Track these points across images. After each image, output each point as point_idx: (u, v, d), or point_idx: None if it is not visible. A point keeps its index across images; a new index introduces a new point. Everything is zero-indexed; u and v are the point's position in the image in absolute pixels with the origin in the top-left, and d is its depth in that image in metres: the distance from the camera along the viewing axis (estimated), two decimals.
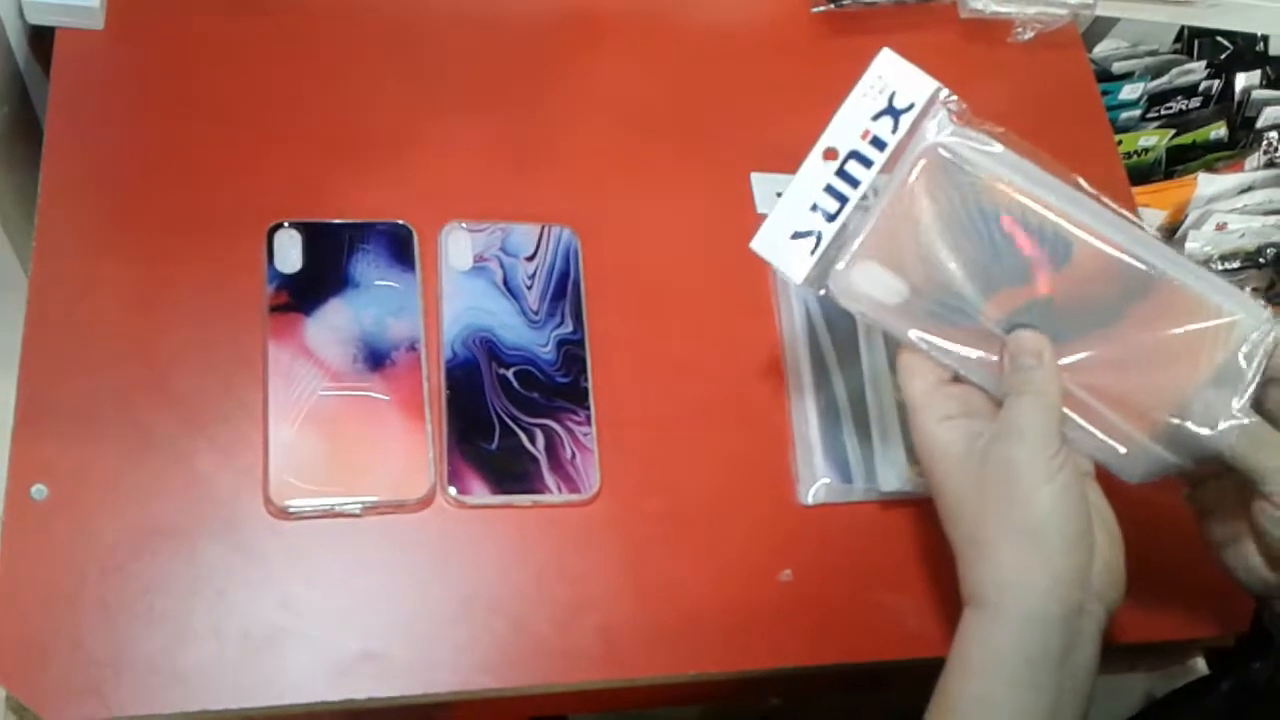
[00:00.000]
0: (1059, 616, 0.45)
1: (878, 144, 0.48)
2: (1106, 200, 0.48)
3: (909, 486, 0.60)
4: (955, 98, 0.47)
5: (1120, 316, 0.47)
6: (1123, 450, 0.48)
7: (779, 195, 0.67)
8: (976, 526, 0.47)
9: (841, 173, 0.48)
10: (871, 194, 0.49)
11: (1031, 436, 0.46)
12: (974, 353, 0.48)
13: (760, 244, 0.49)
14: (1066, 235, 0.47)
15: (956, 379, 0.50)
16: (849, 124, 0.48)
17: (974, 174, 0.47)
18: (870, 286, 0.48)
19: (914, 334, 0.48)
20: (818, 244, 0.48)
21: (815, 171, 0.49)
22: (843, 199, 0.48)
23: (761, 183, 0.69)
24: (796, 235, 0.49)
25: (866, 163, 0.48)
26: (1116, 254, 0.47)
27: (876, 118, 0.48)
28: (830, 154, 0.48)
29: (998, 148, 0.47)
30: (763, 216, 0.67)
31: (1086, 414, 0.48)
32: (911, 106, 0.47)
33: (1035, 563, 0.46)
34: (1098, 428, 0.48)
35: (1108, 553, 0.48)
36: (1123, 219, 0.47)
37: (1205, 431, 0.46)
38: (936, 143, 0.47)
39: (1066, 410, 0.48)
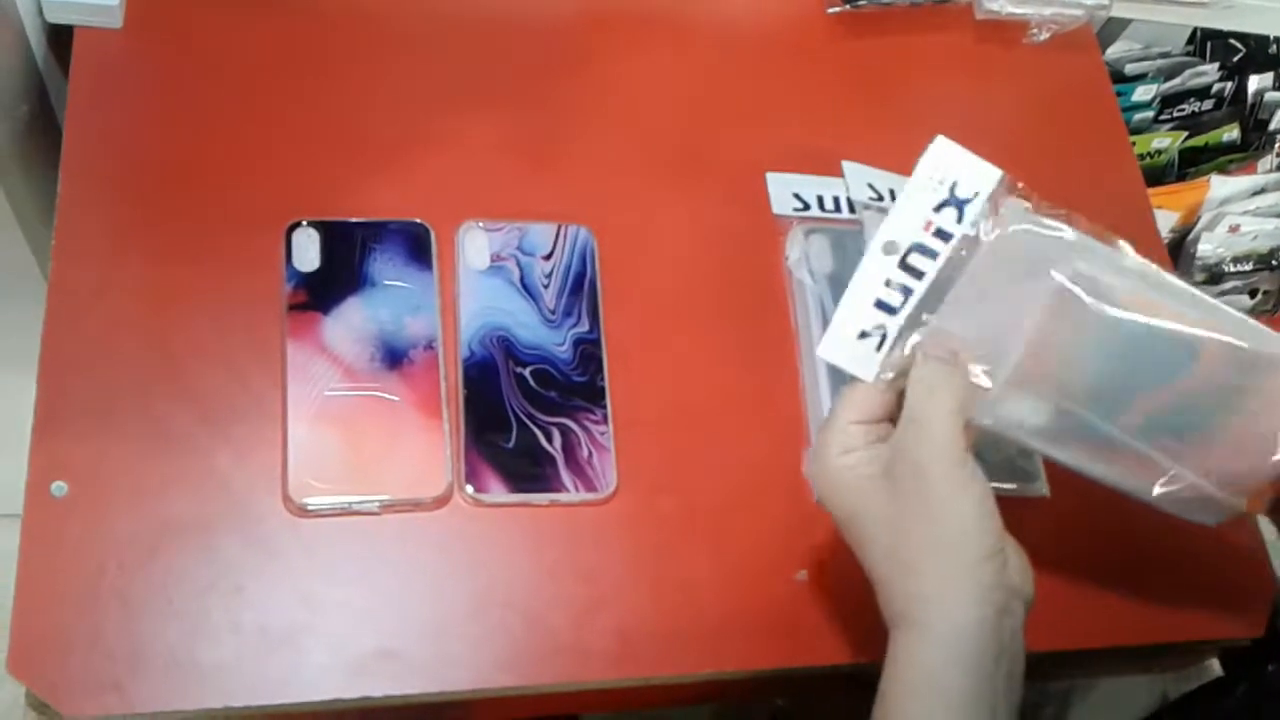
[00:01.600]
0: (988, 624, 0.44)
1: (942, 235, 0.46)
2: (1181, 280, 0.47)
3: None
4: (1021, 185, 0.46)
5: (1244, 398, 0.46)
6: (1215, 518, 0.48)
7: (795, 195, 0.68)
8: (894, 545, 0.46)
9: (904, 265, 0.46)
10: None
11: (941, 445, 0.45)
12: (1114, 466, 0.47)
13: (827, 349, 0.47)
14: (1190, 339, 0.46)
15: (876, 421, 0.48)
16: (909, 216, 0.46)
17: (1099, 303, 0.45)
18: (1017, 413, 0.47)
19: (1062, 455, 0.47)
20: (883, 341, 0.47)
21: (877, 266, 0.46)
22: (907, 292, 0.46)
23: (777, 182, 0.69)
24: (863, 335, 0.47)
25: (931, 255, 0.46)
26: (1235, 342, 0.46)
27: (939, 209, 0.46)
28: (890, 247, 0.46)
29: (1070, 233, 0.45)
30: (778, 217, 0.68)
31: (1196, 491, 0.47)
32: (976, 195, 0.45)
33: (959, 573, 0.44)
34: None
35: (1011, 547, 0.47)
36: (1217, 303, 0.46)
37: None
38: (1056, 280, 0.45)
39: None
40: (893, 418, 0.47)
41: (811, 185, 0.69)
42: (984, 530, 0.45)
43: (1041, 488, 0.63)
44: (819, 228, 0.67)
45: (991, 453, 0.47)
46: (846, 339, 0.47)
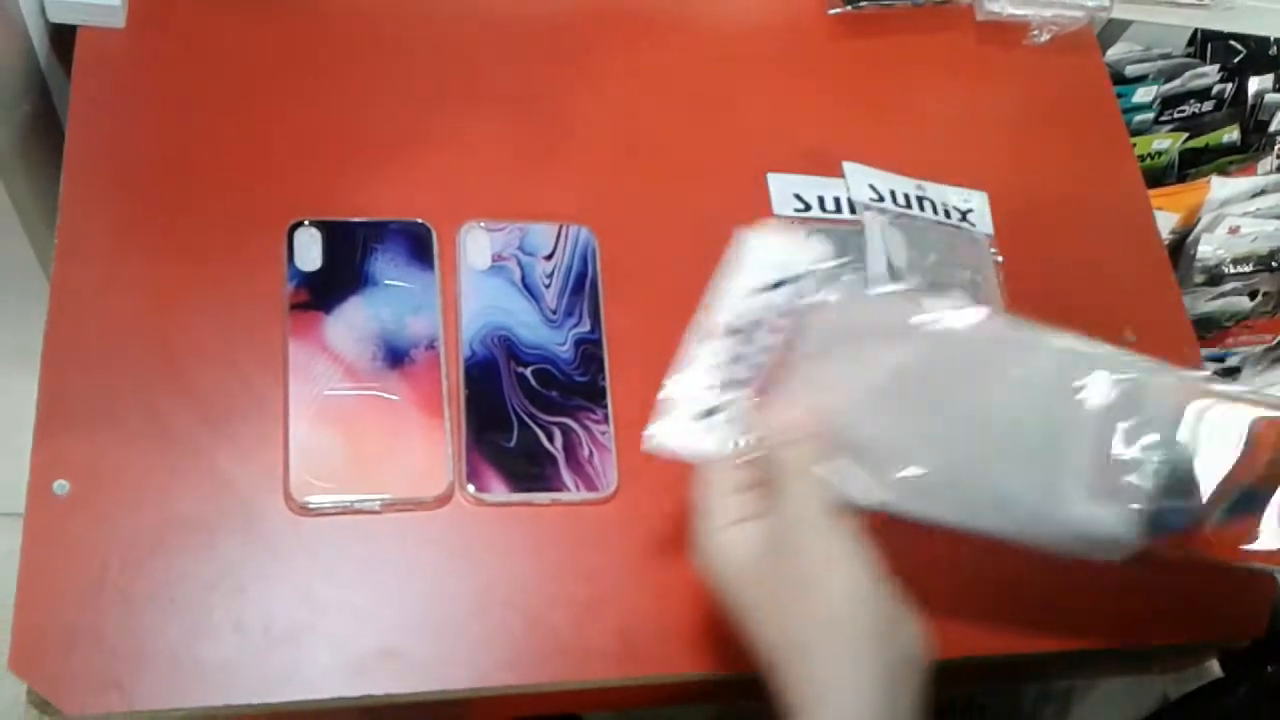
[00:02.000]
0: (883, 699, 0.42)
1: (768, 318, 0.46)
2: None
3: None
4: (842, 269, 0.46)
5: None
6: None
7: (796, 195, 0.68)
8: (783, 626, 0.44)
9: (734, 349, 0.46)
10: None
11: (809, 522, 0.44)
12: (1000, 514, 0.47)
13: (659, 436, 0.46)
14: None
15: (751, 486, 0.47)
16: (733, 301, 0.46)
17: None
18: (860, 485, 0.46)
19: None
20: (725, 417, 0.46)
21: (708, 351, 0.46)
22: (740, 373, 0.46)
23: (778, 183, 0.69)
24: (707, 413, 0.46)
25: (760, 337, 0.46)
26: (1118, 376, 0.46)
27: (768, 289, 0.46)
28: (719, 330, 0.46)
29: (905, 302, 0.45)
30: (780, 217, 0.68)
31: None
32: (801, 275, 0.45)
33: (844, 655, 0.43)
34: None
35: (901, 615, 0.45)
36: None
37: None
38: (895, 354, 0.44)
39: None
40: (765, 484, 0.46)
41: (813, 186, 0.69)
42: (864, 605, 0.43)
43: None
44: (821, 229, 0.68)
45: None
46: (686, 420, 0.46)
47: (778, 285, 0.45)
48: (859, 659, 0.43)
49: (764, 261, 0.45)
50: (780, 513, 0.45)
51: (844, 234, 0.68)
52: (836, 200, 0.69)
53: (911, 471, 0.45)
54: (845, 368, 0.45)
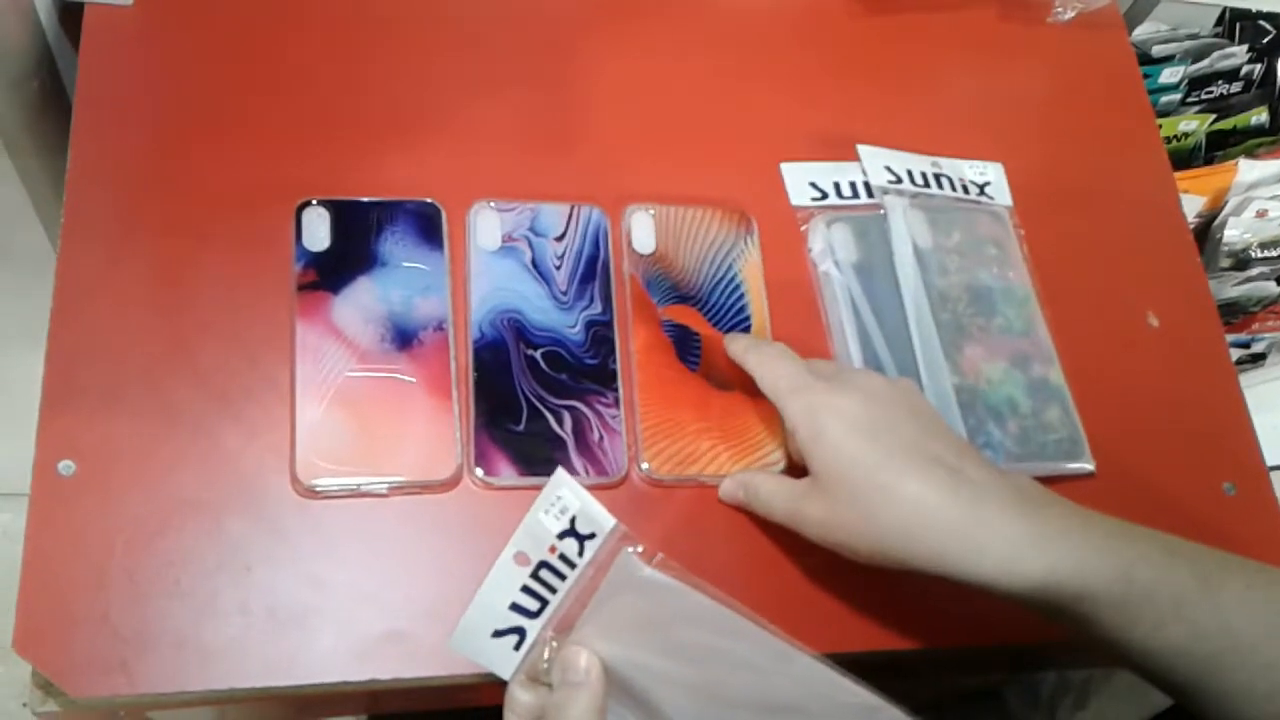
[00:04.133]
0: None
1: (566, 561, 0.46)
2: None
3: None
4: (632, 539, 0.45)
5: None
6: None
7: (811, 184, 0.67)
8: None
9: (536, 578, 0.46)
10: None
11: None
12: None
13: (460, 642, 0.46)
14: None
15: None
16: (535, 534, 0.46)
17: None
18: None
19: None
20: (520, 641, 0.47)
21: (509, 574, 0.46)
22: (543, 601, 0.46)
23: (792, 173, 0.68)
24: (498, 634, 0.47)
25: (560, 576, 0.46)
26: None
27: (562, 536, 0.46)
28: (521, 558, 0.46)
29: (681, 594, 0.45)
30: (796, 208, 0.67)
31: None
32: (593, 536, 0.45)
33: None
34: None
35: None
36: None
37: None
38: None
39: None
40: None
41: (827, 172, 0.68)
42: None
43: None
44: (840, 216, 0.66)
45: None
46: (482, 634, 0.46)
47: (564, 535, 0.46)
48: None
49: (556, 506, 0.46)
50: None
51: (864, 220, 0.67)
52: (853, 185, 0.68)
53: None
54: (632, 625, 0.45)
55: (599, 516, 0.46)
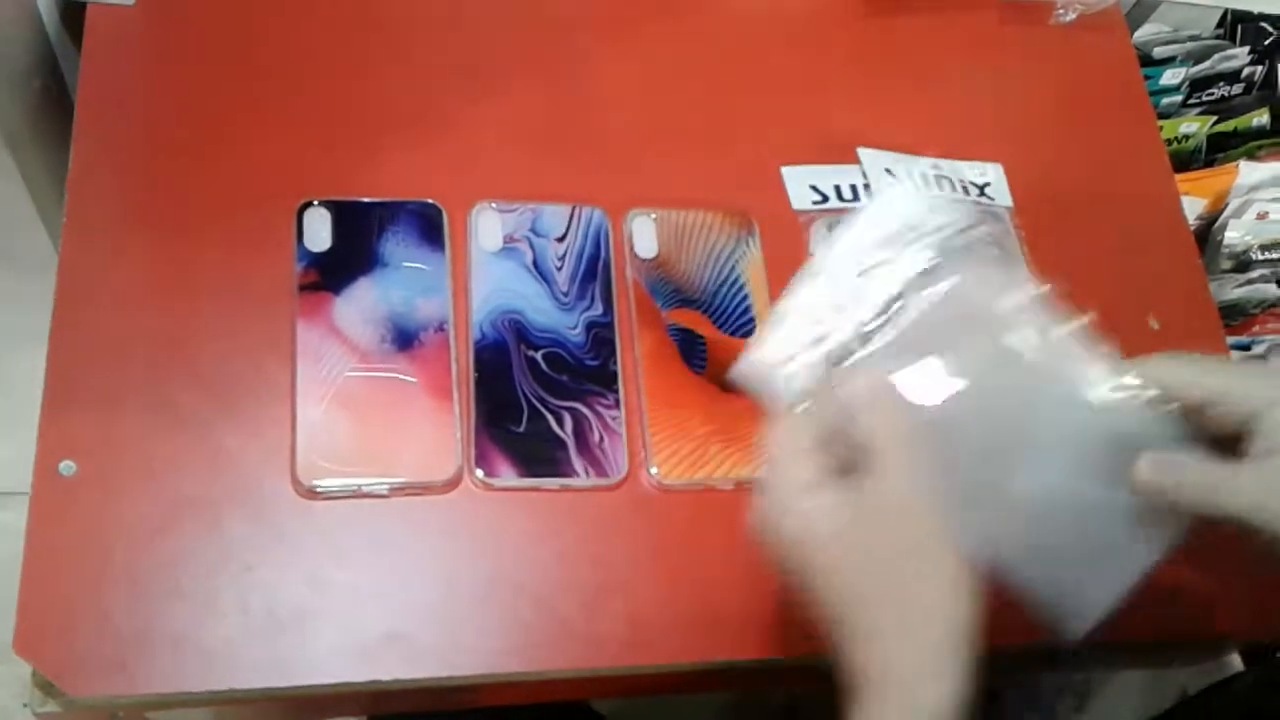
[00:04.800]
0: (959, 694, 0.41)
1: (889, 272, 0.47)
2: None
3: None
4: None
5: None
6: None
7: (812, 187, 0.67)
8: (863, 607, 0.43)
9: (842, 295, 0.47)
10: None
11: (908, 502, 0.43)
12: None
13: (749, 367, 0.47)
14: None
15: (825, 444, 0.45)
16: (856, 246, 0.47)
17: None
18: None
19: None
20: (796, 359, 0.47)
21: (816, 290, 0.48)
22: (842, 324, 0.47)
23: (793, 177, 0.68)
24: (788, 359, 0.47)
25: (876, 286, 0.47)
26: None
27: (884, 246, 0.47)
28: (829, 272, 0.47)
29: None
30: (799, 212, 0.67)
31: None
32: (922, 238, 0.46)
33: (927, 650, 0.42)
34: None
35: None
36: None
37: None
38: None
39: None
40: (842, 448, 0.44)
41: (828, 176, 0.68)
42: (960, 601, 0.42)
43: None
44: (842, 219, 0.66)
45: None
46: (776, 357, 0.46)
47: (899, 241, 0.46)
48: (947, 654, 0.42)
49: (892, 213, 0.46)
50: (873, 485, 0.43)
51: None
52: (854, 188, 0.68)
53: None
54: (945, 356, 0.44)
55: (933, 218, 0.46)
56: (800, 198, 0.67)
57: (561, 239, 0.62)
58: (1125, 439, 0.45)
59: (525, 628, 0.54)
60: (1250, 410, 0.46)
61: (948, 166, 0.69)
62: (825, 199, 0.67)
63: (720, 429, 0.59)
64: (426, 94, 0.65)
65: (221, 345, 0.56)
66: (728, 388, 0.60)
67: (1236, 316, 0.94)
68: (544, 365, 0.58)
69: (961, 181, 0.69)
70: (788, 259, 0.65)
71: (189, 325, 0.56)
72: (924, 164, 0.69)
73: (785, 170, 0.68)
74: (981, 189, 0.69)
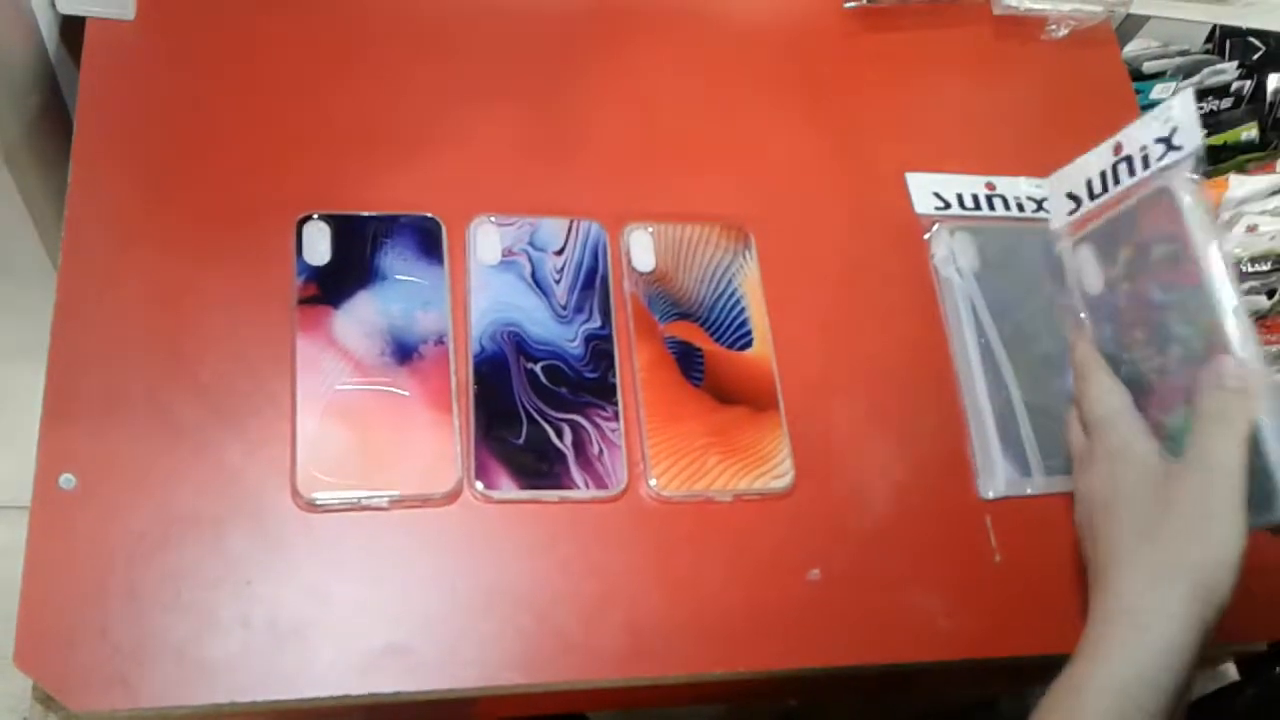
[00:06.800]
0: (1199, 650, 0.47)
1: (1145, 162, 0.57)
2: None
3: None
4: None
5: None
6: None
7: (935, 193, 0.70)
8: (1152, 545, 0.49)
9: (1118, 166, 0.59)
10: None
11: (1232, 475, 0.48)
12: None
13: (1053, 181, 0.63)
14: None
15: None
16: (1137, 136, 0.57)
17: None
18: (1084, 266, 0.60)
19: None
20: (1077, 208, 0.61)
21: (1101, 157, 0.60)
22: (1108, 186, 0.59)
23: (917, 182, 0.70)
24: (1071, 195, 0.62)
25: (1140, 167, 0.57)
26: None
27: (1157, 141, 0.56)
28: (1118, 148, 0.58)
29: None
30: (920, 216, 0.69)
31: None
32: (1181, 149, 0.55)
33: (1200, 602, 0.47)
34: None
35: None
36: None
37: None
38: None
39: None
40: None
41: (950, 184, 0.71)
42: (1233, 571, 0.48)
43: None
44: (963, 225, 0.68)
45: None
46: (1059, 190, 0.63)
47: (1159, 141, 0.56)
48: (1205, 614, 0.47)
49: (1165, 116, 0.56)
50: (1203, 449, 0.50)
51: (985, 230, 0.69)
52: (975, 197, 0.70)
53: None
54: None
55: (1193, 134, 0.55)
56: (923, 202, 0.70)
57: (560, 252, 0.62)
58: None
59: (525, 639, 0.54)
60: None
61: (1004, 184, 0.71)
62: (947, 205, 0.70)
63: (719, 441, 0.59)
64: (425, 108, 0.65)
65: (221, 358, 0.56)
66: (726, 399, 0.61)
67: None
68: (543, 378, 0.58)
69: (1017, 199, 0.71)
70: (785, 272, 0.65)
71: (189, 338, 0.56)
72: (976, 184, 0.71)
73: (909, 176, 0.70)
74: (1039, 204, 0.71)
